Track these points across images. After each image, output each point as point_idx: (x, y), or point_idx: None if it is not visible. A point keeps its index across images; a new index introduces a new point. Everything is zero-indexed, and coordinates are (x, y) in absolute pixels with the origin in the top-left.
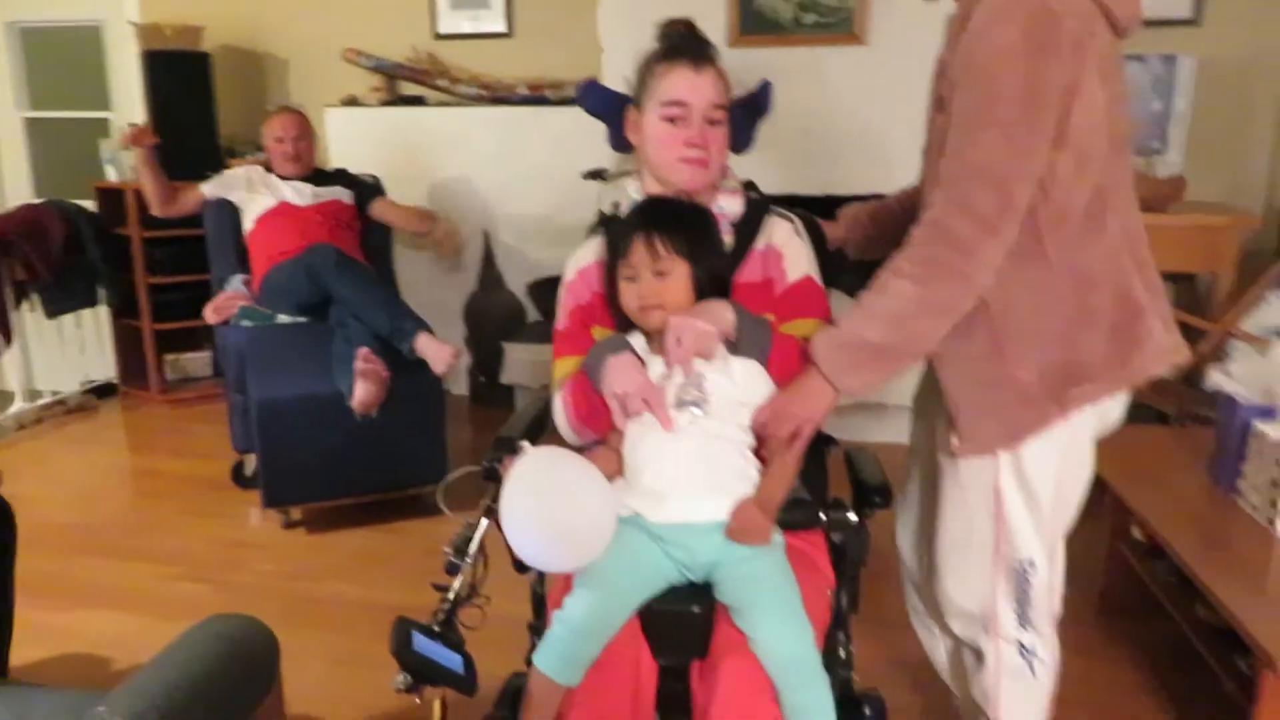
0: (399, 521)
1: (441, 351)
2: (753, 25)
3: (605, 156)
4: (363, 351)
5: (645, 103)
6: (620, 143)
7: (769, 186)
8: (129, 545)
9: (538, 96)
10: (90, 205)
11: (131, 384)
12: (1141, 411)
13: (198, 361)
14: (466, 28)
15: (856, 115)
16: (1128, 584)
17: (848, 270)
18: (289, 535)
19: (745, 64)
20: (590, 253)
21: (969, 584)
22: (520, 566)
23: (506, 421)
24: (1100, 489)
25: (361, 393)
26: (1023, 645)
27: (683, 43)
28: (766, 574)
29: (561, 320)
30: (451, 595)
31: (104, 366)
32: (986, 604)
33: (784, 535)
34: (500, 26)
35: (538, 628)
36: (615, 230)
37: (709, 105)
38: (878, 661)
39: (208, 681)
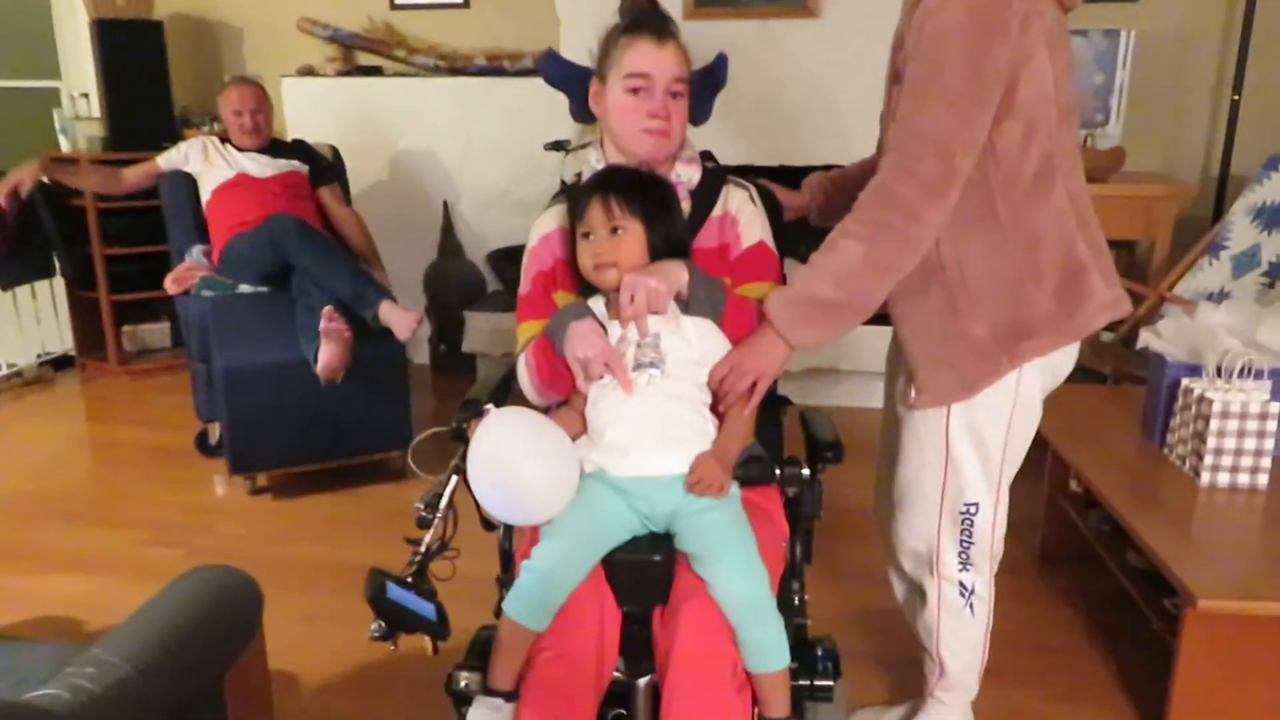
0: (363, 486)
1: (405, 318)
2: None
3: (564, 128)
4: (327, 309)
5: (609, 74)
6: (581, 114)
7: (727, 157)
8: (95, 512)
9: (495, 67)
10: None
11: (89, 356)
12: (1080, 372)
13: (156, 333)
14: None
15: (810, 86)
16: (1066, 534)
17: (807, 238)
18: (255, 501)
19: (701, 36)
20: (553, 219)
21: (917, 525)
22: (488, 524)
23: (472, 386)
24: (1041, 446)
25: (326, 355)
26: (963, 585)
27: (645, 17)
28: (724, 523)
29: (525, 285)
30: (423, 548)
31: (61, 339)
32: (931, 544)
33: (740, 489)
34: None
35: (505, 581)
36: (576, 195)
37: (671, 78)
38: (832, 610)
39: (198, 625)
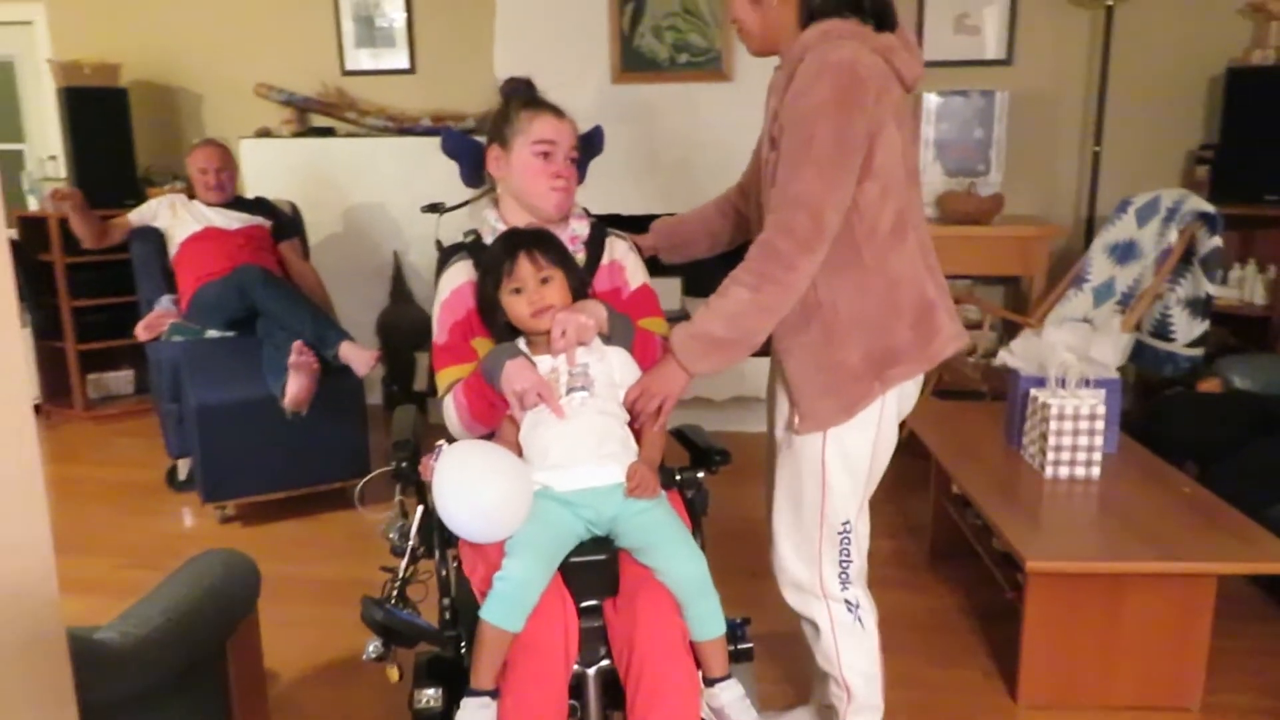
0: (325, 513)
1: (364, 356)
2: (633, 63)
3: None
4: (297, 344)
5: (513, 140)
6: (472, 179)
7: (650, 206)
8: (72, 543)
9: (440, 128)
10: (12, 234)
11: (54, 403)
12: (962, 393)
13: (120, 379)
14: (371, 64)
15: (724, 142)
16: (951, 532)
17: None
18: (226, 528)
19: (626, 98)
20: (461, 274)
21: (800, 551)
22: (417, 557)
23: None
24: (926, 458)
25: (294, 387)
26: (848, 601)
27: (538, 95)
28: (661, 519)
29: (441, 335)
30: (402, 573)
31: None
32: (814, 568)
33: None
34: (404, 63)
35: (448, 604)
36: (491, 254)
37: (569, 146)
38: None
39: (211, 590)
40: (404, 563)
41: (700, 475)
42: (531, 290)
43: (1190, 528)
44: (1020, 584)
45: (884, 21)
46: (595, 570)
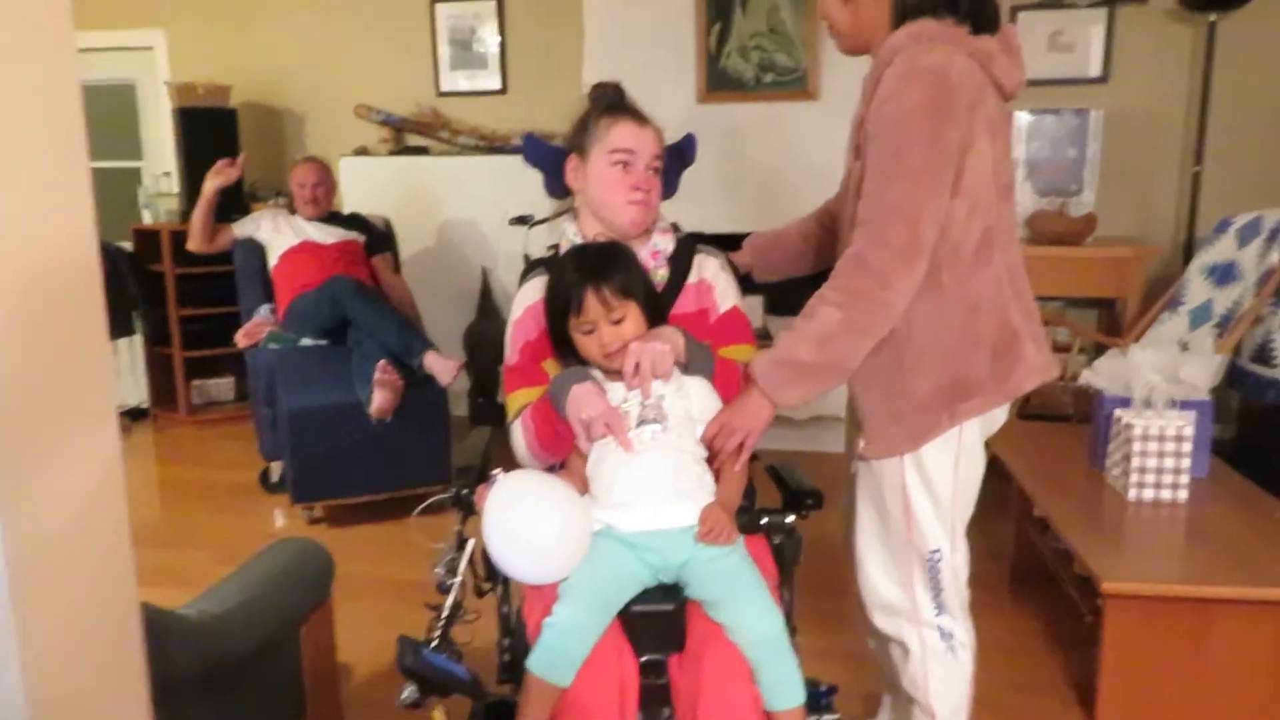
0: (408, 518)
1: (447, 365)
2: (719, 83)
3: None
4: (381, 364)
5: (590, 150)
6: (555, 189)
7: (735, 225)
8: (171, 538)
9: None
10: (128, 245)
11: (161, 407)
12: (1047, 415)
13: (221, 386)
14: (465, 85)
15: (809, 161)
16: (1031, 555)
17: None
18: (313, 529)
19: (712, 118)
20: (534, 291)
21: (890, 574)
22: (480, 590)
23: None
24: (1007, 480)
25: (379, 400)
26: (941, 629)
27: (624, 101)
28: (735, 568)
29: (512, 356)
30: (446, 612)
31: (136, 391)
32: (906, 593)
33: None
34: (496, 84)
35: (507, 645)
36: (557, 281)
37: (651, 155)
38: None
39: (284, 575)
40: (449, 601)
41: (791, 520)
42: (604, 332)
43: None
44: (1099, 608)
45: (982, 22)
46: (659, 621)
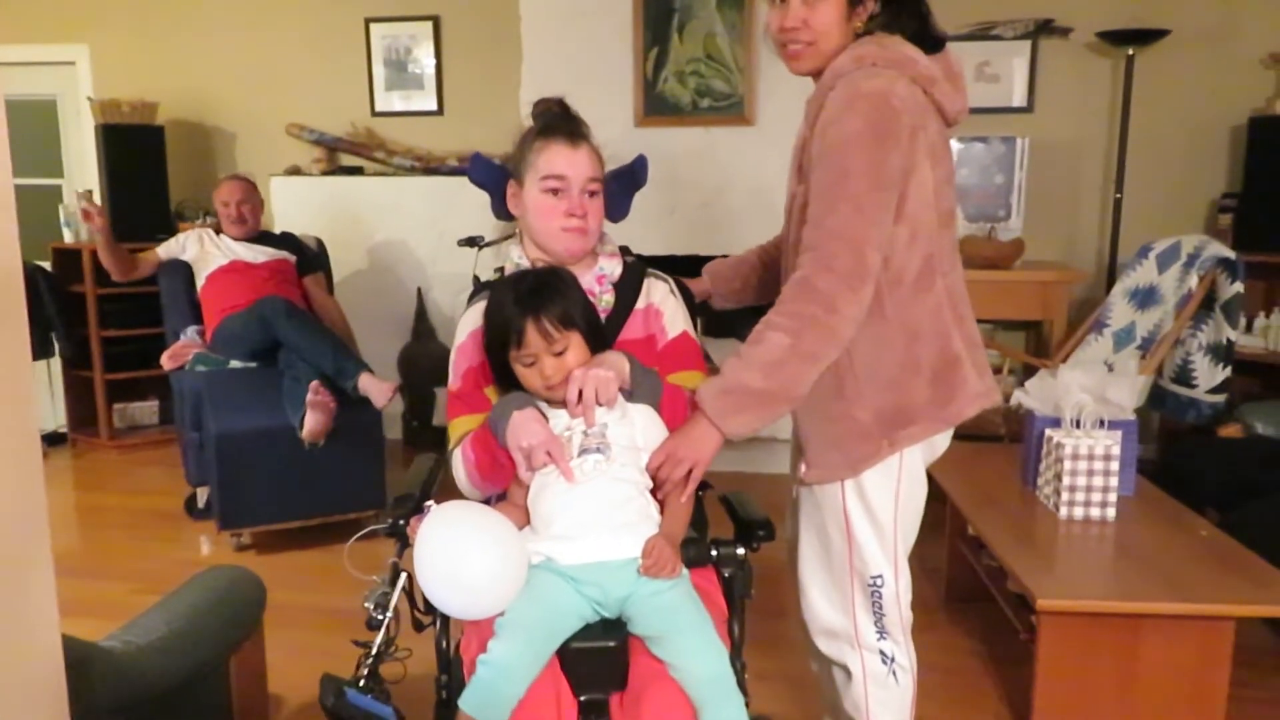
0: (339, 544)
1: (382, 388)
2: (656, 108)
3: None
4: (314, 385)
5: (525, 176)
6: (502, 212)
7: (671, 248)
8: (91, 568)
9: (466, 168)
10: (46, 264)
11: (80, 432)
12: (979, 436)
13: (145, 410)
14: (401, 106)
15: (746, 185)
16: (966, 574)
17: (744, 323)
18: (241, 556)
19: (650, 142)
20: (479, 316)
21: (831, 599)
22: (418, 625)
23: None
24: (941, 500)
25: (311, 422)
26: (883, 654)
27: (558, 121)
28: (679, 603)
29: (455, 382)
30: (374, 649)
31: (54, 415)
32: (848, 617)
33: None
34: (432, 105)
35: (445, 682)
36: (495, 312)
37: (585, 179)
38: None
39: (215, 605)
40: (378, 639)
41: (742, 552)
42: (545, 363)
43: (1207, 570)
44: (1034, 626)
45: (925, 40)
46: (599, 659)
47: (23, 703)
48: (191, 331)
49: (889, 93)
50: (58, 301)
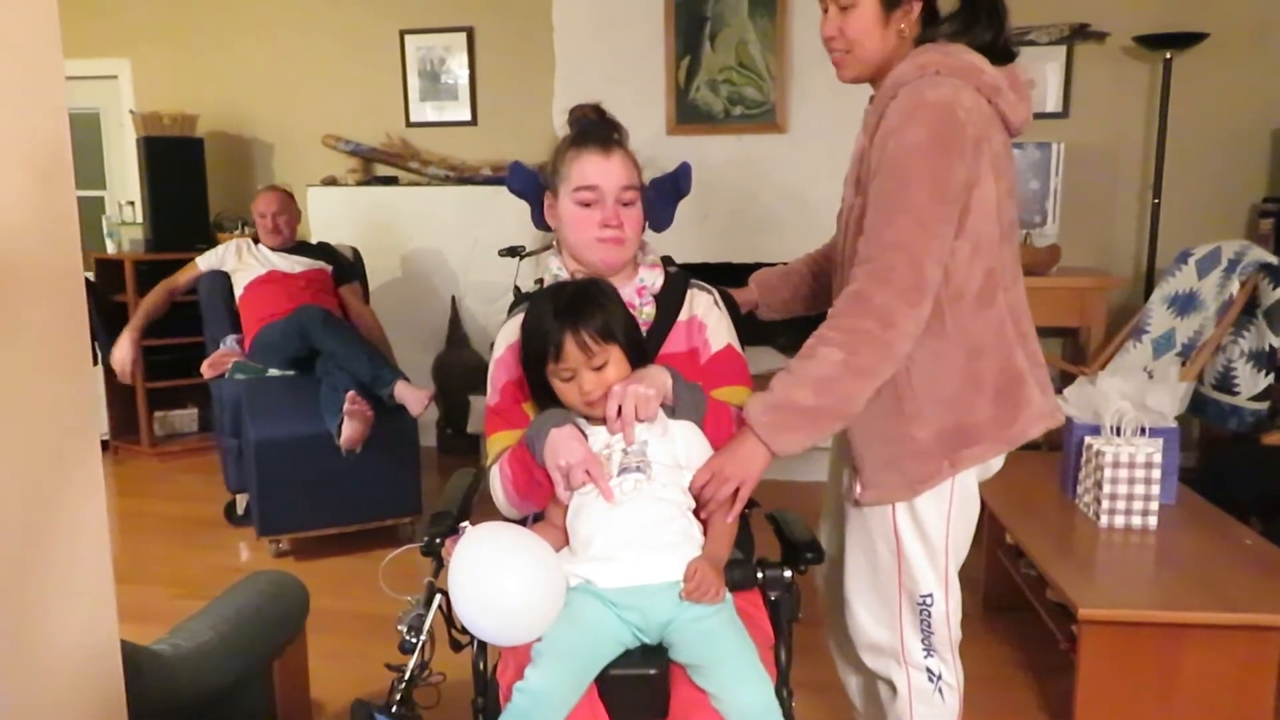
0: (377, 550)
1: (418, 395)
2: (688, 116)
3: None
4: (351, 394)
5: (560, 188)
6: (541, 221)
7: (704, 256)
8: (132, 573)
9: (499, 177)
10: (89, 275)
11: (122, 439)
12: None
13: (185, 418)
14: (435, 116)
15: (778, 192)
16: (1005, 583)
17: (784, 328)
18: (280, 562)
19: (681, 151)
20: (517, 328)
21: (879, 617)
22: (456, 645)
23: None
24: (980, 508)
25: (348, 431)
26: (930, 671)
27: (591, 128)
28: (723, 629)
29: (493, 396)
30: (407, 673)
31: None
32: (895, 635)
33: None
34: (465, 115)
35: (481, 705)
36: (533, 324)
37: (619, 187)
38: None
39: (259, 609)
40: (412, 662)
41: (789, 575)
42: (585, 379)
43: (1252, 580)
44: (1074, 635)
45: (998, 51)
46: (639, 686)
47: (84, 702)
48: (230, 340)
49: (954, 102)
50: (101, 311)
